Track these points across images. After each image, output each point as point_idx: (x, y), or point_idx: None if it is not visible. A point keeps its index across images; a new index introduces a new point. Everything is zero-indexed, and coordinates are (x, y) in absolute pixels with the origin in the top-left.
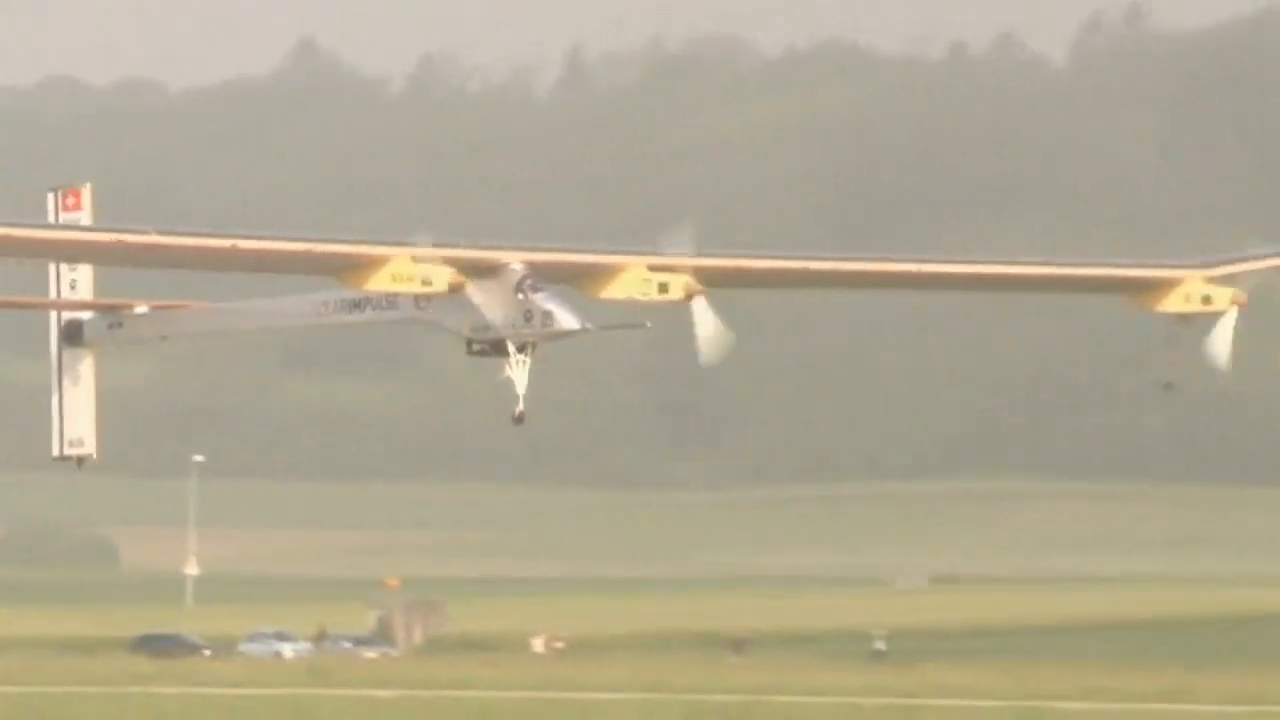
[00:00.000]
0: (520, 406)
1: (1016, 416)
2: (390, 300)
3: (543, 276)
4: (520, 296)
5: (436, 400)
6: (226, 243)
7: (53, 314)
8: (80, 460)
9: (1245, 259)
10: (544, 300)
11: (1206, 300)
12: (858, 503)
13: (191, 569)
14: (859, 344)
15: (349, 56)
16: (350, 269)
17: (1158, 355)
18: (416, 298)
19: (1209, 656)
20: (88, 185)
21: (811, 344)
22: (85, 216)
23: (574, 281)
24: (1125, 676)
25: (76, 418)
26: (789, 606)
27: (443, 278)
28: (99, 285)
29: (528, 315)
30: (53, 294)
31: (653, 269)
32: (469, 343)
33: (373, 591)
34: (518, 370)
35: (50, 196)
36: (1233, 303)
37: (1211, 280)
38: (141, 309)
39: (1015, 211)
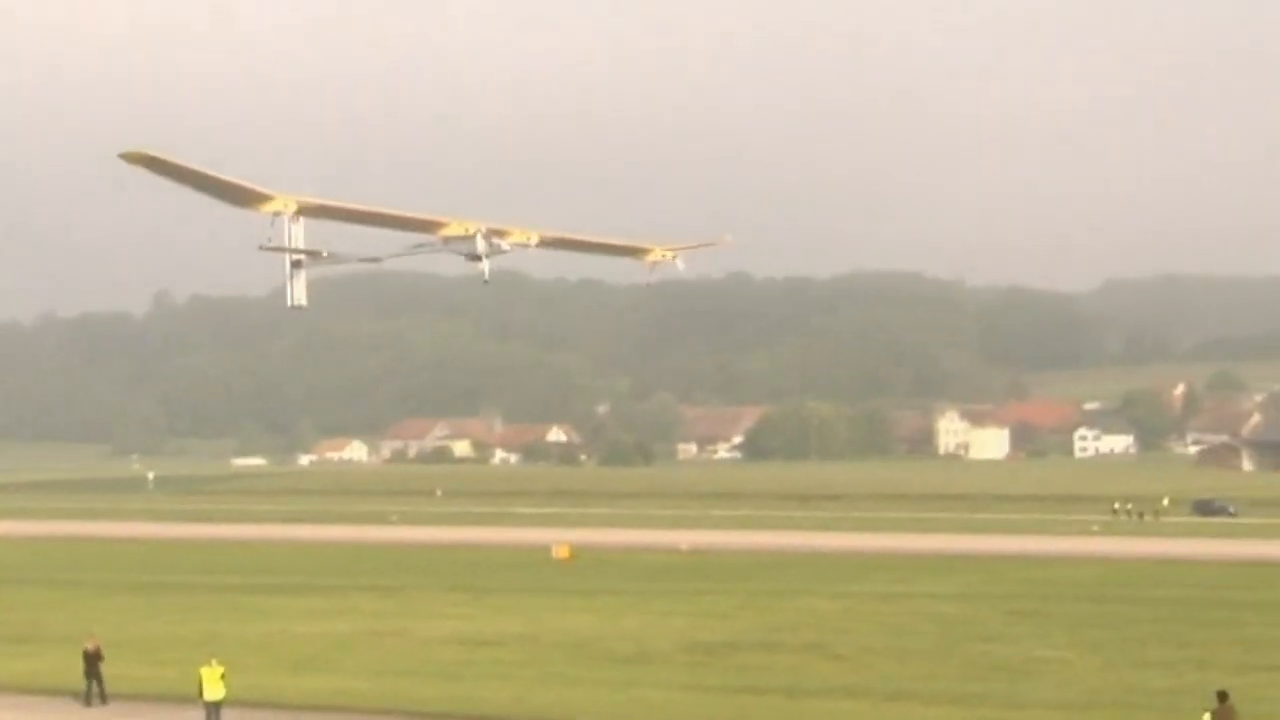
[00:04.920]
0: (486, 277)
1: None
2: (441, 241)
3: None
4: (485, 238)
5: None
6: (385, 209)
7: (285, 254)
8: (299, 307)
9: (679, 245)
10: (495, 240)
11: (663, 255)
12: None
13: None
14: None
15: None
16: (434, 226)
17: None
18: (447, 239)
19: None
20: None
21: None
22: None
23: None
24: None
25: (298, 294)
26: None
27: (472, 230)
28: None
29: (489, 246)
30: (286, 244)
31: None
32: (467, 255)
33: None
34: (486, 264)
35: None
36: (673, 255)
37: (662, 248)
38: (325, 253)
39: None
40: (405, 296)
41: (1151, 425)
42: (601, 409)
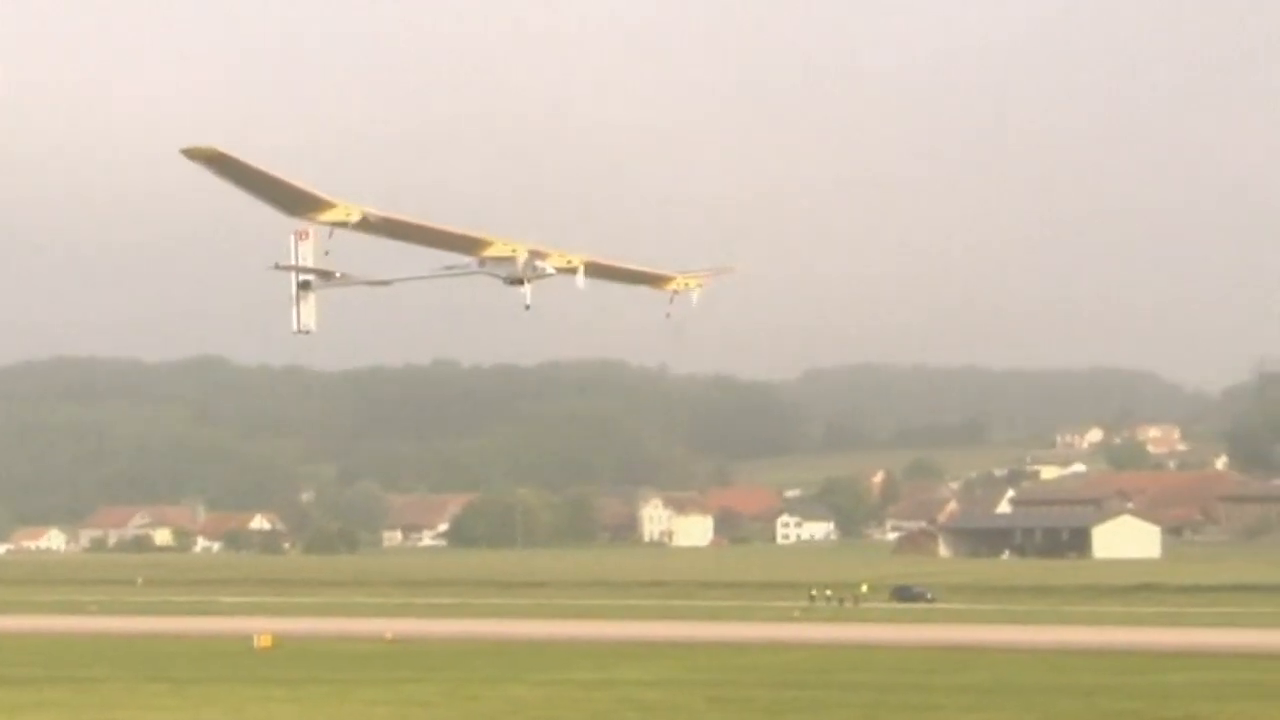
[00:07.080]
0: (528, 301)
1: None
2: (479, 262)
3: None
4: (529, 262)
5: None
6: (440, 224)
7: (293, 274)
8: (306, 332)
9: (697, 272)
10: (538, 263)
11: (685, 284)
12: None
13: None
14: None
15: None
16: (476, 246)
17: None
18: (484, 260)
19: None
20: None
21: None
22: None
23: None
24: None
25: (305, 318)
26: None
27: (520, 251)
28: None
29: (533, 269)
30: (294, 263)
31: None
32: (506, 279)
33: None
34: (528, 289)
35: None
36: (698, 284)
37: (684, 276)
38: (338, 274)
39: None
40: (105, 382)
41: (851, 512)
42: (306, 496)
